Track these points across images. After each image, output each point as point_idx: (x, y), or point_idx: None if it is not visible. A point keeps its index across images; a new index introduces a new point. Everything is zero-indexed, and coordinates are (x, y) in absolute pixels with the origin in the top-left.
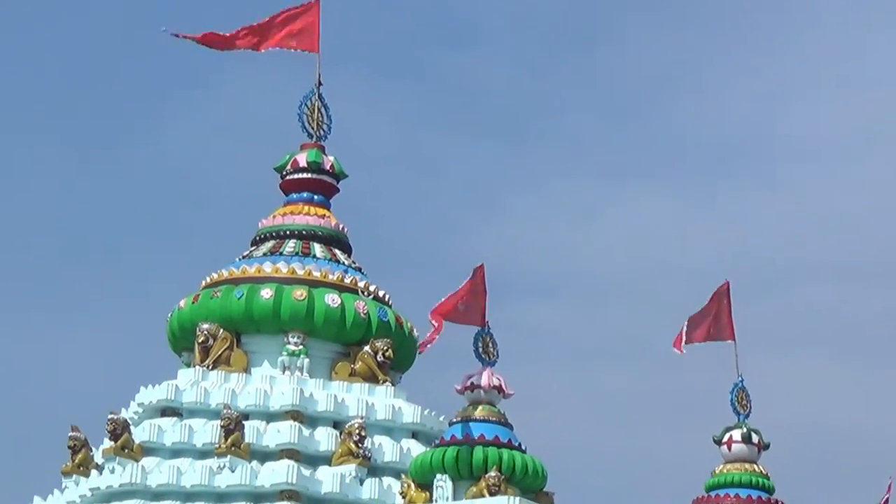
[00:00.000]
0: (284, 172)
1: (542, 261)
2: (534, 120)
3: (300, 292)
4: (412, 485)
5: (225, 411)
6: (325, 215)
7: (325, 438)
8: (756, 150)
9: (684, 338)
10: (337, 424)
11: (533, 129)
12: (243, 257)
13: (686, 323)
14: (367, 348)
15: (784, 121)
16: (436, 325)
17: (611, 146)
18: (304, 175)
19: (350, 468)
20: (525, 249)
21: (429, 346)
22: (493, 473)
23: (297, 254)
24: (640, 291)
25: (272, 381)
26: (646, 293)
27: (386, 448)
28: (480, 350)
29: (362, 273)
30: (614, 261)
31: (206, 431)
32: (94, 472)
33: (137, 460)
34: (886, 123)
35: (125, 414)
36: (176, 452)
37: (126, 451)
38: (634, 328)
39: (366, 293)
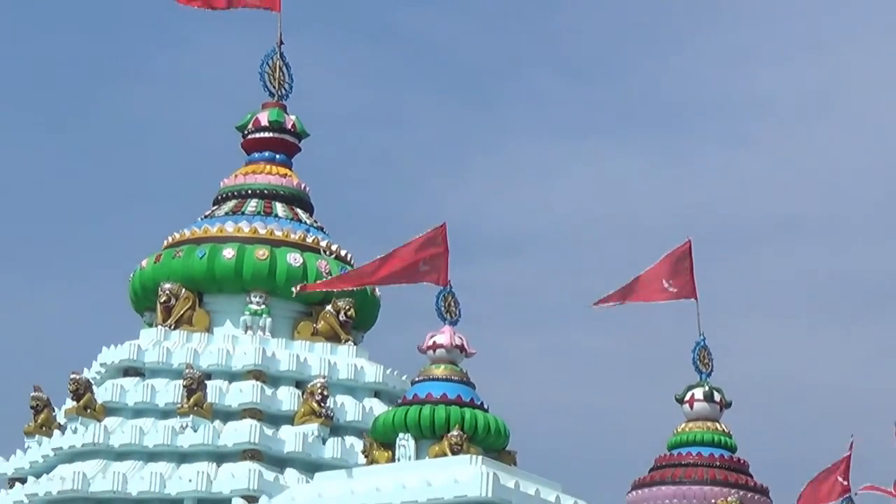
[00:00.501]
0: (246, 132)
1: (506, 219)
2: (498, 79)
3: (262, 252)
4: (375, 444)
5: (187, 371)
6: (286, 174)
7: (287, 398)
8: (720, 107)
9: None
10: (299, 384)
11: (497, 88)
12: (205, 217)
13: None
14: (329, 308)
15: (748, 78)
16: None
17: (575, 104)
18: (266, 134)
19: (312, 427)
20: (488, 208)
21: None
22: (455, 432)
23: (258, 213)
24: (603, 250)
25: (234, 340)
26: (609, 251)
27: (348, 407)
28: (443, 309)
29: (324, 232)
30: (578, 219)
31: (169, 391)
32: (56, 432)
33: (100, 420)
34: (851, 81)
35: (87, 374)
36: (138, 412)
37: (88, 410)
38: (597, 287)
39: (327, 252)
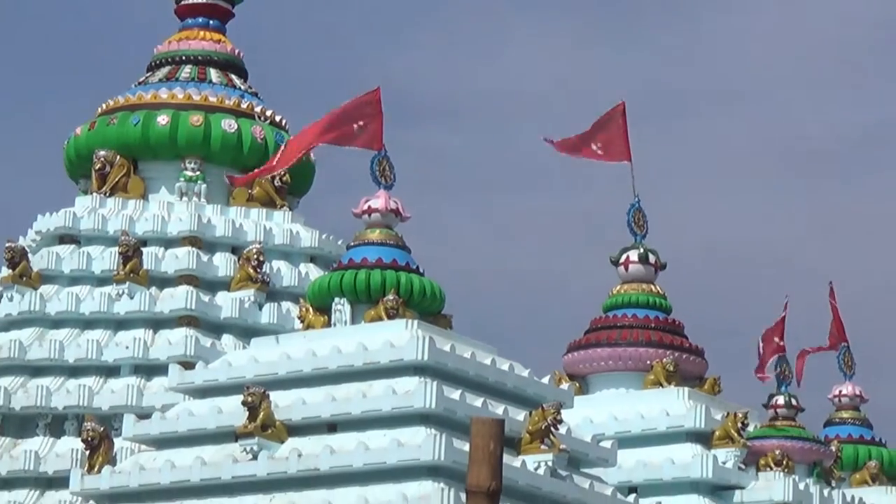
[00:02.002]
0: None
1: (443, 85)
2: None
3: (196, 118)
4: (310, 309)
5: (123, 238)
6: (220, 40)
7: (223, 264)
8: None
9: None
10: (235, 250)
11: None
12: (139, 83)
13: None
14: None
15: None
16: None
17: None
18: (199, 0)
19: (249, 293)
20: (425, 73)
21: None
22: (390, 296)
23: (193, 79)
24: (541, 114)
25: (170, 207)
26: (544, 117)
27: (284, 273)
28: (377, 174)
29: (259, 98)
30: (516, 84)
31: (104, 258)
32: None
33: (35, 288)
34: None
35: (22, 242)
36: (74, 280)
37: (24, 279)
38: (534, 151)
39: (262, 118)
